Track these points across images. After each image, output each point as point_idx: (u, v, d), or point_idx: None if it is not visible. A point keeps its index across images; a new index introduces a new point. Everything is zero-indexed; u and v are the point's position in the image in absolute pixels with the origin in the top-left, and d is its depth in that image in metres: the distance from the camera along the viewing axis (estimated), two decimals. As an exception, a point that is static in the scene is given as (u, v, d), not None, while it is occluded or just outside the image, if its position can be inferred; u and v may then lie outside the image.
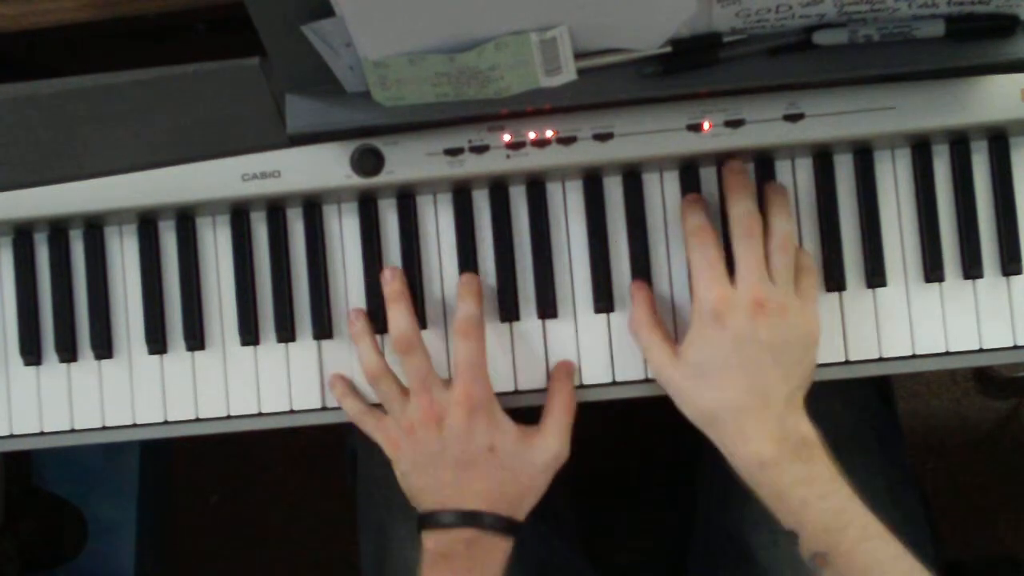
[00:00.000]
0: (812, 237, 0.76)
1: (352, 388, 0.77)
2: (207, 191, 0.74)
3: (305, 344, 0.78)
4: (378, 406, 0.76)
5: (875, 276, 0.75)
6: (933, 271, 0.75)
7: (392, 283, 0.74)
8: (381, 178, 0.74)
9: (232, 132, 0.73)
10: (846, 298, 0.76)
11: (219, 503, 1.48)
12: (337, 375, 0.77)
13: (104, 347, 0.78)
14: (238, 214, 0.78)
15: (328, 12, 0.62)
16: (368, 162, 0.73)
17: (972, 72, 0.71)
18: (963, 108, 0.72)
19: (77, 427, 0.79)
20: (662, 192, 0.77)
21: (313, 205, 0.78)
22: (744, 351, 0.68)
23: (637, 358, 0.76)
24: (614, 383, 0.77)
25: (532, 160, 0.73)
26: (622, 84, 0.69)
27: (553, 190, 0.77)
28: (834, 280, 0.76)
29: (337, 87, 0.69)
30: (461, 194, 0.77)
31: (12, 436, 0.79)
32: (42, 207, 0.75)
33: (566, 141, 0.73)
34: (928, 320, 0.76)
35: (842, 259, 0.76)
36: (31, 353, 0.78)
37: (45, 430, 0.79)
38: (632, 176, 0.77)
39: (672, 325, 0.76)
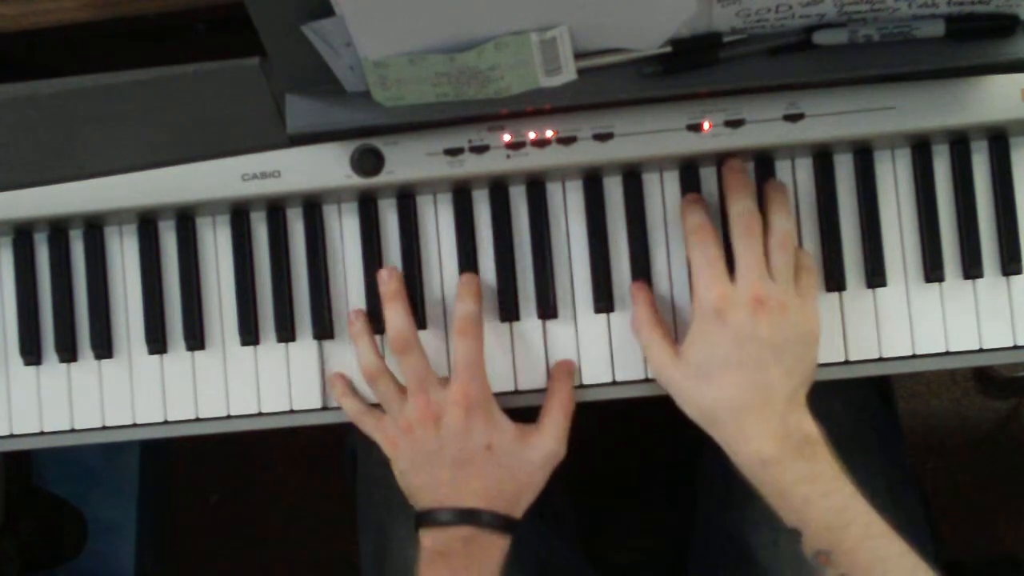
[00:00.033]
0: (812, 237, 0.76)
1: (351, 388, 0.77)
2: (207, 191, 0.74)
3: (305, 344, 0.78)
4: (377, 406, 0.76)
5: (875, 276, 0.75)
6: (933, 271, 0.75)
7: (389, 283, 0.74)
8: (381, 178, 0.74)
9: (232, 132, 0.73)
10: (846, 298, 0.76)
11: (219, 503, 1.48)
12: (337, 374, 0.77)
13: (104, 347, 0.78)
14: (238, 214, 0.78)
15: (328, 12, 0.62)
16: (368, 162, 0.73)
17: (972, 72, 0.71)
18: (963, 108, 0.72)
19: (77, 427, 0.79)
20: (662, 192, 0.77)
21: (313, 205, 0.78)
22: (745, 349, 0.68)
23: (637, 358, 0.76)
24: (614, 383, 0.77)
25: (532, 160, 0.73)
26: (622, 84, 0.69)
27: (553, 190, 0.77)
28: (834, 280, 0.76)
29: (337, 87, 0.69)
30: (461, 194, 0.77)
31: (12, 436, 0.79)
32: (42, 207, 0.75)
33: (566, 141, 0.73)
34: (928, 320, 0.76)
35: (842, 259, 0.76)
36: (31, 353, 0.78)
37: (45, 430, 0.79)
38: (632, 176, 0.77)
39: (672, 325, 0.76)
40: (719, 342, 0.69)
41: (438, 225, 0.78)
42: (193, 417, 0.78)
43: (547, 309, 0.76)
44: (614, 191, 0.77)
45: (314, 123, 0.71)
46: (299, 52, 0.66)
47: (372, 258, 0.77)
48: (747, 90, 0.71)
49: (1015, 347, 0.76)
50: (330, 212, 0.78)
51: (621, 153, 0.73)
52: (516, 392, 0.77)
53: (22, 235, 0.79)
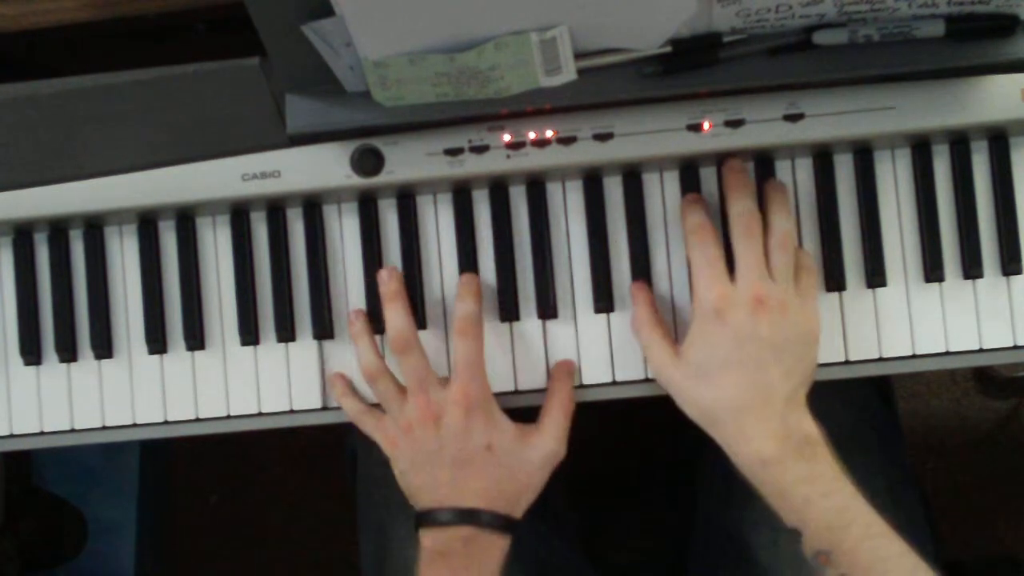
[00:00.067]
0: (812, 237, 0.76)
1: (351, 387, 0.77)
2: (207, 191, 0.74)
3: (305, 344, 0.78)
4: (377, 406, 0.76)
5: (875, 276, 0.75)
6: (933, 271, 0.75)
7: (389, 283, 0.74)
8: (381, 178, 0.74)
9: (232, 132, 0.73)
10: (846, 298, 0.76)
11: (219, 503, 1.48)
12: (337, 374, 0.77)
13: (104, 347, 0.78)
14: (238, 214, 0.78)
15: (328, 12, 0.62)
16: (368, 162, 0.73)
17: (972, 72, 0.71)
18: (963, 108, 0.72)
19: (77, 427, 0.79)
20: (662, 192, 0.77)
21: (313, 205, 0.78)
22: (745, 348, 0.68)
23: (637, 358, 0.76)
24: (614, 383, 0.77)
25: (532, 160, 0.73)
26: (622, 84, 0.69)
27: (553, 190, 0.77)
28: (834, 280, 0.76)
29: (337, 87, 0.69)
30: (461, 194, 0.77)
31: (12, 436, 0.79)
32: (42, 207, 0.75)
33: (566, 141, 0.73)
34: (928, 320, 0.76)
35: (842, 259, 0.76)
36: (31, 353, 0.78)
37: (45, 430, 0.79)
38: (632, 176, 0.77)
39: (672, 325, 0.76)
40: (719, 342, 0.69)
41: (438, 225, 0.78)
42: (193, 417, 0.78)
43: (547, 309, 0.76)
44: (614, 191, 0.77)
45: (314, 123, 0.71)
46: (299, 52, 0.66)
47: (372, 258, 0.77)
48: (747, 90, 0.71)
49: (1015, 347, 0.76)
50: (330, 212, 0.78)
51: (621, 153, 0.73)
52: (516, 392, 0.77)
53: (22, 235, 0.79)
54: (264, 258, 0.78)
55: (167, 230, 0.79)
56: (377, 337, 0.76)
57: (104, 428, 0.79)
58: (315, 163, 0.74)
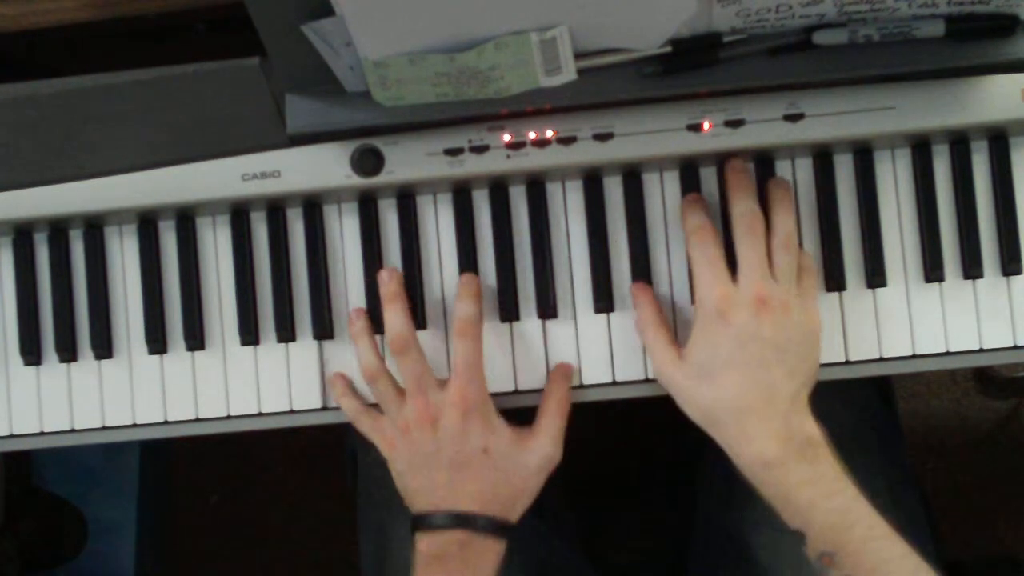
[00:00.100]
0: (812, 237, 0.76)
1: (351, 387, 0.77)
2: (207, 191, 0.74)
3: (305, 344, 0.78)
4: (376, 406, 0.76)
5: (875, 276, 0.75)
6: (933, 271, 0.75)
7: (389, 284, 0.74)
8: (381, 178, 0.74)
9: (232, 132, 0.73)
10: (846, 298, 0.76)
11: (219, 503, 1.48)
12: (337, 374, 0.77)
13: (104, 347, 0.78)
14: (238, 214, 0.78)
15: (328, 12, 0.62)
16: (368, 162, 0.73)
17: (972, 72, 0.71)
18: (963, 108, 0.72)
19: (77, 427, 0.79)
20: (662, 192, 0.77)
21: (313, 205, 0.78)
22: (748, 349, 0.68)
23: (637, 358, 0.76)
24: (614, 383, 0.77)
25: (532, 160, 0.73)
26: (622, 84, 0.69)
27: (553, 190, 0.77)
28: (834, 280, 0.76)
29: (337, 87, 0.69)
30: (461, 194, 0.77)
31: (12, 436, 0.79)
32: (42, 207, 0.75)
33: (566, 141, 0.73)
34: (928, 320, 0.76)
35: (842, 259, 0.76)
36: (31, 353, 0.78)
37: (45, 430, 0.79)
38: (632, 176, 0.77)
39: (672, 325, 0.76)
40: (722, 342, 0.69)
41: (438, 225, 0.78)
42: (193, 417, 0.78)
43: (547, 309, 0.76)
44: (614, 191, 0.77)
45: (314, 123, 0.71)
46: (299, 52, 0.66)
47: (372, 258, 0.77)
48: (747, 90, 0.71)
49: (1015, 347, 0.76)
50: (330, 212, 0.78)
51: (621, 153, 0.73)
52: (516, 392, 0.77)
53: (22, 235, 0.79)
54: (264, 258, 0.78)
55: (167, 230, 0.79)
56: (378, 337, 0.76)
57: (104, 428, 0.79)
58: (315, 163, 0.74)
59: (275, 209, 0.78)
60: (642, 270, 0.76)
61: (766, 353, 0.68)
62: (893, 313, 0.76)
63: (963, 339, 0.75)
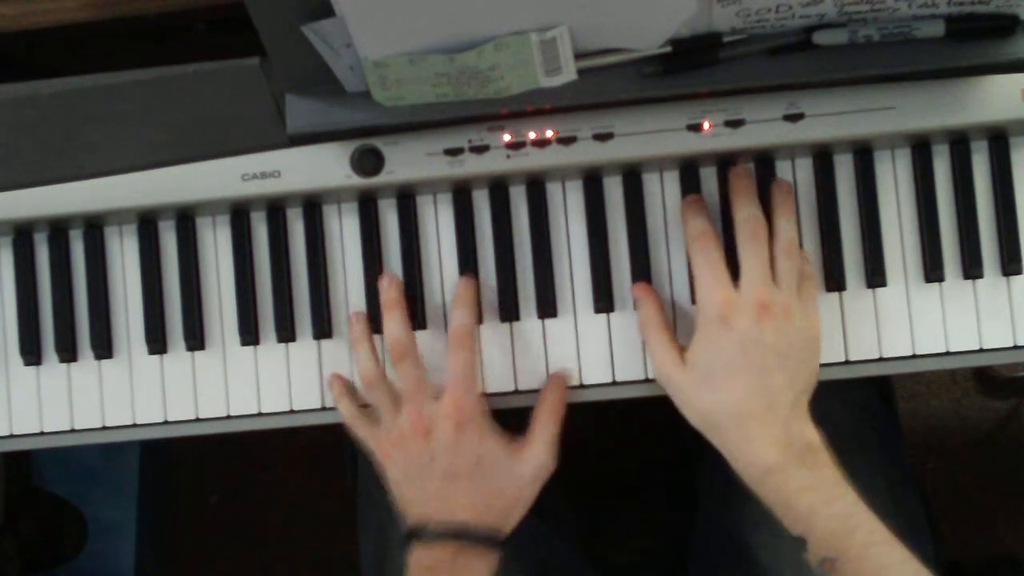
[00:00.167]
0: (812, 237, 0.76)
1: (350, 389, 0.77)
2: (207, 191, 0.74)
3: (305, 344, 0.78)
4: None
5: (875, 276, 0.75)
6: (933, 271, 0.75)
7: (388, 290, 0.74)
8: (381, 178, 0.74)
9: (232, 132, 0.73)
10: (846, 298, 0.76)
11: (219, 503, 1.48)
12: (336, 375, 0.77)
13: (104, 347, 0.78)
14: (238, 214, 0.78)
15: (328, 12, 0.62)
16: (368, 162, 0.73)
17: (972, 72, 0.71)
18: (963, 108, 0.72)
19: (77, 427, 0.79)
20: (662, 192, 0.77)
21: (313, 205, 0.78)
22: (750, 354, 0.68)
23: (637, 358, 0.76)
24: (614, 383, 0.77)
25: (532, 160, 0.73)
26: (622, 84, 0.69)
27: (553, 190, 0.77)
28: (834, 280, 0.76)
29: (337, 87, 0.69)
30: (461, 194, 0.77)
31: (12, 436, 0.79)
32: (42, 207, 0.75)
33: (566, 141, 0.73)
34: (928, 320, 0.76)
35: (842, 259, 0.76)
36: (31, 353, 0.78)
37: (45, 430, 0.79)
38: (632, 176, 0.77)
39: (672, 325, 0.76)
40: (724, 347, 0.69)
41: (438, 225, 0.78)
42: (193, 417, 0.78)
43: (547, 309, 0.76)
44: (614, 191, 0.77)
45: (314, 123, 0.71)
46: (299, 52, 0.66)
47: (372, 258, 0.77)
48: (747, 90, 0.71)
49: (1015, 347, 0.75)
50: (330, 212, 0.78)
51: (621, 153, 0.73)
52: (516, 392, 0.77)
53: (22, 235, 0.79)
54: (264, 258, 0.78)
55: (167, 230, 0.79)
56: (378, 337, 0.76)
57: (104, 428, 0.79)
58: (315, 163, 0.74)
59: (275, 209, 0.78)
60: (642, 270, 0.76)
61: (767, 359, 0.68)
62: (893, 313, 0.76)
63: (963, 339, 0.75)
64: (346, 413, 0.76)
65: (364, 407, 0.76)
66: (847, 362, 0.76)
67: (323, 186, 0.74)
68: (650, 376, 0.76)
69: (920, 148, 0.76)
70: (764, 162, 0.76)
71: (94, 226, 0.79)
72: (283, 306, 0.77)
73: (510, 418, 0.75)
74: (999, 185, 0.75)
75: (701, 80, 0.69)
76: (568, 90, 0.69)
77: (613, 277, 0.76)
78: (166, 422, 0.78)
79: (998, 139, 0.75)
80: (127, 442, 0.80)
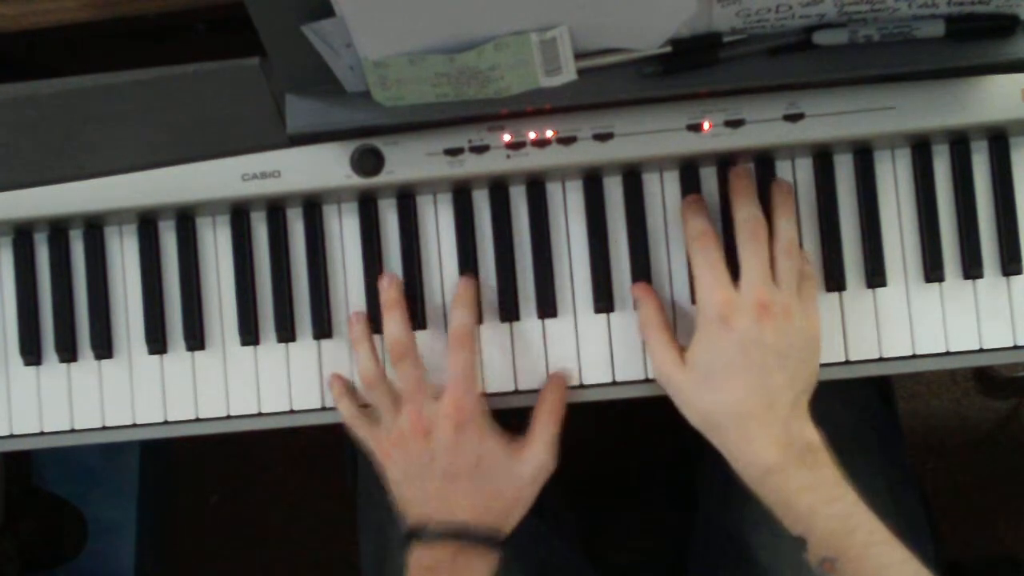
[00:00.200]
0: (812, 237, 0.76)
1: (349, 389, 0.77)
2: (207, 191, 0.74)
3: (305, 344, 0.78)
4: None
5: (875, 276, 0.75)
6: (933, 271, 0.75)
7: (388, 291, 0.74)
8: (381, 178, 0.74)
9: (232, 132, 0.73)
10: (846, 298, 0.76)
11: (219, 503, 1.48)
12: (336, 375, 0.77)
13: (104, 347, 0.78)
14: (238, 214, 0.78)
15: (328, 12, 0.62)
16: (368, 162, 0.73)
17: (972, 72, 0.71)
18: (963, 108, 0.72)
19: (77, 427, 0.79)
20: (662, 192, 0.77)
21: (313, 205, 0.78)
22: (750, 354, 0.68)
23: (637, 358, 0.76)
24: (614, 383, 0.77)
25: (532, 160, 0.73)
26: (622, 84, 0.69)
27: (553, 190, 0.77)
28: (834, 280, 0.76)
29: (337, 87, 0.69)
30: (461, 194, 0.77)
31: (12, 436, 0.79)
32: (42, 207, 0.75)
33: (566, 141, 0.73)
34: (928, 320, 0.76)
35: (842, 259, 0.76)
36: (31, 353, 0.78)
37: (45, 430, 0.79)
38: (632, 176, 0.77)
39: (672, 324, 0.76)
40: (724, 347, 0.69)
41: (438, 225, 0.78)
42: (193, 417, 0.78)
43: (547, 309, 0.76)
44: (614, 191, 0.77)
45: (314, 123, 0.71)
46: (299, 52, 0.66)
47: (372, 258, 0.77)
48: (747, 90, 0.71)
49: (1015, 347, 0.75)
50: (330, 212, 0.78)
51: (621, 153, 0.73)
52: (516, 392, 0.77)
53: (22, 235, 0.79)
54: (264, 258, 0.78)
55: (167, 230, 0.79)
56: (378, 337, 0.76)
57: (104, 428, 0.79)
58: (315, 163, 0.74)
59: (275, 209, 0.78)
60: (642, 270, 0.76)
61: (768, 359, 0.68)
62: (893, 313, 0.76)
63: (963, 339, 0.75)
64: (346, 413, 0.76)
65: (364, 407, 0.76)
66: (847, 362, 0.76)
67: (323, 186, 0.74)
68: (650, 376, 0.76)
69: (920, 148, 0.76)
70: (764, 162, 0.76)
71: (94, 226, 0.79)
72: (283, 306, 0.77)
73: (510, 418, 0.75)
74: (999, 185, 0.75)
75: (701, 80, 0.69)
76: (568, 90, 0.69)
77: (613, 277, 0.76)
78: (166, 422, 0.78)
79: (998, 139, 0.75)
80: (127, 442, 0.80)
